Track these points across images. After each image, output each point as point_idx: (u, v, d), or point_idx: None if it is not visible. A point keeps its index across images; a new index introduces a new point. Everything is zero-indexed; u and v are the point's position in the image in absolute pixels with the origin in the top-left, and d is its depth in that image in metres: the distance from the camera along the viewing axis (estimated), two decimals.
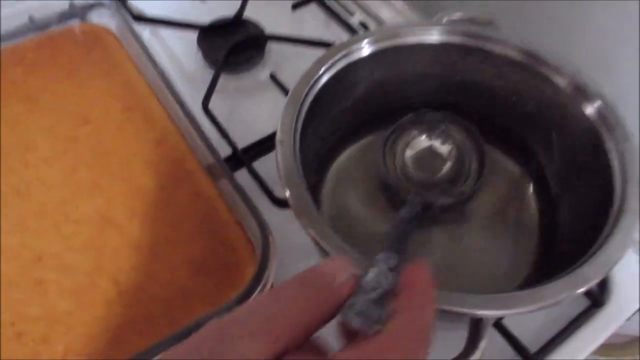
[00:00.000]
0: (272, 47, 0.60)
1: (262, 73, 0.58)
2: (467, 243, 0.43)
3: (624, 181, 0.36)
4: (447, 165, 0.44)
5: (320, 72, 0.38)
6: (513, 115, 0.44)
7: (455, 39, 0.43)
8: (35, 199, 0.42)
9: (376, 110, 0.45)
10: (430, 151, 0.45)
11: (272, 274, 0.37)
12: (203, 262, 0.39)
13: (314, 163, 0.43)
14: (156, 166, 0.44)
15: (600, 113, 0.38)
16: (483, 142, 0.43)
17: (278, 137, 0.35)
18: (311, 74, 0.38)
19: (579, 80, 0.40)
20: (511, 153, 0.46)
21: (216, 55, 0.58)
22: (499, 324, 0.42)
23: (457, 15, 0.45)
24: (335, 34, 0.62)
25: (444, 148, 0.45)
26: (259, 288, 0.36)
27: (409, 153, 0.45)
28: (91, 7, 0.56)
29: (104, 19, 0.56)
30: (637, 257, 0.47)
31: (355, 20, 0.63)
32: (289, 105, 0.37)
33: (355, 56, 0.40)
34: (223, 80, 0.58)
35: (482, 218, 0.44)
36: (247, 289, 0.36)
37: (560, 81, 0.41)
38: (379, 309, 0.23)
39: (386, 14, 0.63)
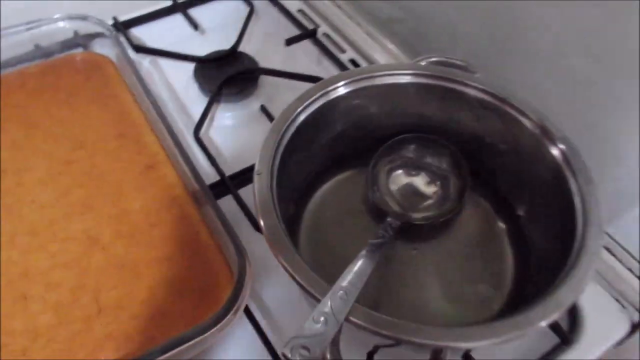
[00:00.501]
0: (265, 80, 0.63)
1: (254, 104, 0.61)
2: (445, 271, 0.44)
3: (585, 222, 0.37)
4: (431, 188, 0.47)
5: (300, 108, 0.41)
6: (486, 154, 0.47)
7: (430, 81, 0.45)
8: (27, 218, 0.44)
9: (355, 145, 0.47)
10: (414, 178, 0.48)
11: (246, 297, 0.38)
12: (182, 283, 0.41)
13: (295, 194, 0.45)
14: (145, 190, 0.46)
15: (564, 156, 0.40)
16: (464, 163, 0.46)
17: (256, 169, 0.38)
18: (291, 110, 0.40)
19: (546, 125, 0.42)
20: (484, 190, 0.48)
21: (211, 86, 0.60)
22: (467, 356, 0.43)
23: (434, 58, 0.47)
24: (326, 69, 0.65)
25: (427, 173, 0.48)
26: (232, 310, 0.38)
27: (392, 182, 0.47)
28: (94, 36, 0.60)
29: (105, 48, 0.59)
30: (608, 295, 0.48)
31: (345, 57, 0.66)
32: (268, 138, 0.39)
33: (333, 94, 0.43)
34: (217, 110, 0.61)
35: (458, 248, 0.45)
36: (221, 311, 0.37)
37: (529, 124, 0.43)
38: None
39: (376, 53, 0.66)
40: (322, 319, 0.28)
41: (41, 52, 0.58)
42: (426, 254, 0.45)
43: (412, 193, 0.47)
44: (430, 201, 0.47)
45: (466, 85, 0.45)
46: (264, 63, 0.65)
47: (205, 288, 0.41)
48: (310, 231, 0.46)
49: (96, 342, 0.38)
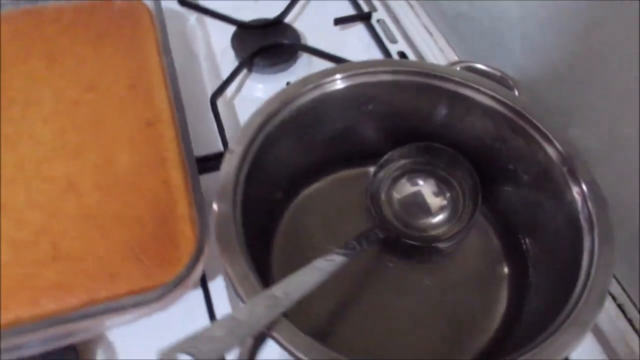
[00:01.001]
0: (305, 57, 0.60)
1: (286, 79, 0.58)
2: (442, 292, 0.40)
3: (585, 286, 0.32)
4: (437, 201, 0.43)
5: (290, 98, 0.37)
6: (504, 181, 0.41)
7: (464, 91, 0.40)
8: (19, 151, 0.44)
9: (359, 144, 0.43)
10: (421, 187, 0.43)
11: (194, 276, 0.36)
12: (143, 248, 0.39)
13: (284, 181, 0.42)
14: (137, 146, 0.44)
15: (585, 201, 0.34)
16: (478, 185, 0.41)
17: (230, 146, 0.35)
18: (286, 94, 0.37)
19: (574, 162, 0.36)
20: (491, 216, 0.42)
21: (245, 53, 0.58)
22: None
23: (472, 64, 0.42)
24: (371, 56, 0.61)
25: (437, 184, 0.43)
26: (178, 286, 0.36)
27: (397, 190, 0.43)
28: None
29: None
30: None
31: (395, 48, 0.61)
32: (253, 118, 0.37)
33: (321, 92, 0.39)
34: (248, 79, 0.59)
35: (445, 274, 0.41)
36: (168, 284, 0.36)
37: (555, 157, 0.37)
38: None
39: (429, 48, 0.61)
40: (228, 324, 0.25)
41: None
42: (404, 271, 0.41)
43: (416, 204, 0.43)
44: (433, 219, 0.42)
45: (498, 101, 0.40)
46: (309, 39, 0.62)
47: (165, 259, 0.39)
48: (293, 223, 0.42)
49: (42, 289, 0.37)
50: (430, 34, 0.62)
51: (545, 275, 0.37)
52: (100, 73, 0.49)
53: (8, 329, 0.34)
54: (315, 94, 0.38)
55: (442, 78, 0.40)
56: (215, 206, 0.32)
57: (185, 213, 0.41)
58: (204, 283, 0.43)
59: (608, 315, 0.43)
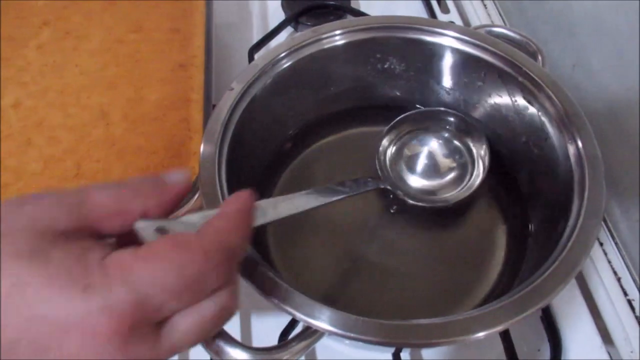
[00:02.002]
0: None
1: None
2: (439, 246, 0.40)
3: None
4: (447, 162, 0.42)
5: (287, 51, 0.38)
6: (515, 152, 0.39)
7: (481, 54, 0.39)
8: (65, 78, 0.48)
9: (358, 105, 0.43)
10: (432, 147, 0.42)
11: (191, 205, 0.38)
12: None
13: (290, 131, 0.43)
14: (167, 85, 0.47)
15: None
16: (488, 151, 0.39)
17: (232, 84, 0.36)
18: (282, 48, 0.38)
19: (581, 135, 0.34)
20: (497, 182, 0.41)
21: (292, 10, 0.59)
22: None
23: (497, 29, 0.40)
24: None
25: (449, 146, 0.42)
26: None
27: (408, 148, 0.42)
28: None
29: None
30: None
31: (445, 18, 0.59)
32: (251, 66, 0.37)
33: (332, 44, 0.39)
34: (291, 37, 0.59)
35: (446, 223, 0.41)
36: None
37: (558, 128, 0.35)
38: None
39: (478, 21, 0.58)
40: (206, 214, 0.25)
41: None
42: (407, 219, 0.41)
43: (425, 164, 0.42)
44: (441, 180, 0.41)
45: (517, 68, 0.38)
46: (360, 3, 0.62)
47: None
48: (297, 176, 0.43)
49: None
50: (485, 6, 0.59)
51: (541, 226, 0.36)
52: (147, 16, 0.52)
53: None
54: (325, 46, 0.38)
55: (459, 39, 0.39)
56: (202, 145, 0.34)
57: (197, 150, 0.43)
58: None
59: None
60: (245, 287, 0.41)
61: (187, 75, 0.48)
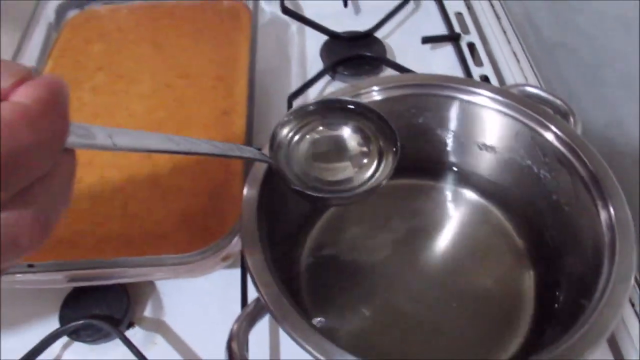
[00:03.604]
0: (387, 71, 0.62)
1: None
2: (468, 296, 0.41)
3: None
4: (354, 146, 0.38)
5: None
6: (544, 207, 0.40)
7: (510, 112, 0.40)
8: (116, 119, 0.51)
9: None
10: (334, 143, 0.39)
11: (227, 251, 0.40)
12: (194, 218, 0.44)
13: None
14: (211, 130, 0.50)
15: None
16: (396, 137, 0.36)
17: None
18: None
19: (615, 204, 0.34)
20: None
21: (330, 60, 0.62)
22: None
23: (530, 89, 0.42)
24: None
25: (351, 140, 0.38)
26: (213, 255, 0.40)
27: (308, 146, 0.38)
28: None
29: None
30: None
31: (478, 71, 0.61)
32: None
33: (369, 99, 0.41)
34: (330, 85, 0.62)
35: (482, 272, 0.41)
36: (203, 254, 0.40)
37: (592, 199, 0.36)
38: None
39: (510, 75, 0.60)
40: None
41: None
42: (437, 269, 0.42)
43: (329, 152, 0.38)
44: (342, 170, 0.37)
45: (548, 129, 0.39)
46: (396, 54, 0.64)
47: (210, 231, 0.43)
48: (332, 220, 0.45)
49: (107, 238, 0.43)
50: (518, 60, 0.61)
51: (569, 286, 0.36)
52: (194, 63, 0.56)
53: (72, 262, 0.41)
54: (363, 99, 0.40)
55: (492, 99, 0.40)
56: (245, 190, 0.36)
57: (236, 195, 0.45)
58: (244, 265, 0.47)
59: None
60: (272, 324, 0.43)
61: (230, 121, 0.51)
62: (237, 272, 0.46)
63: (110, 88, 0.54)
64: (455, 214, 0.45)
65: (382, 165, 0.37)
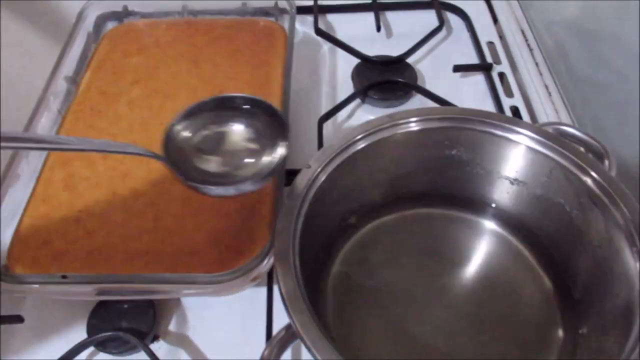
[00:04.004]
0: (418, 98, 0.63)
1: None
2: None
3: None
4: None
5: (361, 135, 0.41)
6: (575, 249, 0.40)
7: (544, 150, 0.41)
8: (151, 134, 0.52)
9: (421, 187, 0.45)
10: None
11: (257, 272, 0.41)
12: (224, 237, 0.44)
13: (355, 206, 0.45)
14: None
15: None
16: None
17: (309, 162, 0.39)
18: (358, 131, 0.40)
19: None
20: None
21: (361, 84, 0.62)
22: None
23: (565, 127, 0.42)
24: (483, 107, 0.60)
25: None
26: (242, 275, 0.40)
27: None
28: (286, 12, 0.66)
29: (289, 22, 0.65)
30: None
31: (508, 102, 0.61)
32: (328, 147, 0.40)
33: (403, 129, 0.41)
34: (359, 109, 0.63)
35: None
36: (233, 274, 0.40)
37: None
38: None
39: (544, 109, 0.60)
40: None
41: (242, 11, 0.66)
42: (465, 301, 0.43)
43: (221, 147, 0.40)
44: (233, 163, 0.39)
45: (584, 170, 0.39)
46: (426, 81, 0.65)
47: (240, 250, 0.44)
48: (357, 248, 0.45)
49: (138, 251, 0.44)
50: (549, 93, 0.61)
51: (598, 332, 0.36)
52: (229, 81, 0.56)
53: (101, 276, 0.42)
54: (396, 131, 0.41)
55: (528, 137, 0.40)
56: (280, 214, 0.36)
57: (266, 215, 0.46)
58: (270, 283, 0.47)
59: None
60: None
61: None
62: (262, 291, 0.47)
63: (146, 102, 0.55)
64: (482, 245, 0.45)
65: (272, 157, 0.38)
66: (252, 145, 0.40)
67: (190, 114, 0.40)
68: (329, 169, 0.39)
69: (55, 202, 0.47)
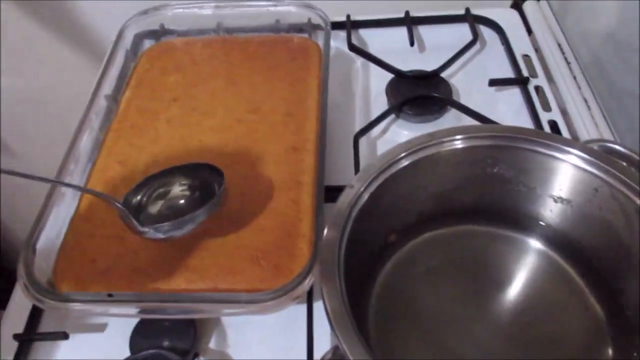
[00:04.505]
0: (453, 112, 0.62)
1: (428, 131, 0.60)
2: None
3: None
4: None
5: (404, 153, 0.41)
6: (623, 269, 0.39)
7: (592, 169, 0.40)
8: (190, 152, 0.53)
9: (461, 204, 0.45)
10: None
11: (300, 290, 0.41)
12: (265, 255, 0.45)
13: (398, 224, 0.45)
14: (280, 166, 0.51)
15: None
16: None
17: (351, 182, 0.39)
18: (404, 147, 0.40)
19: None
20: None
21: (395, 100, 0.62)
22: None
23: (611, 145, 0.41)
24: (522, 123, 0.60)
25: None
26: (282, 295, 0.40)
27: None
28: (319, 28, 0.66)
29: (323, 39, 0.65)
30: None
31: (547, 116, 0.60)
32: (371, 165, 0.40)
33: (447, 147, 0.41)
34: (394, 124, 0.63)
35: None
36: (277, 293, 0.40)
37: None
38: None
39: (584, 123, 0.59)
40: None
41: (277, 28, 0.67)
42: (507, 323, 0.42)
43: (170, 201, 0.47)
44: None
45: (631, 188, 0.38)
46: (461, 95, 0.64)
47: (280, 269, 0.44)
48: (398, 266, 0.45)
49: (179, 270, 0.44)
50: (589, 107, 0.60)
51: None
52: (265, 99, 0.57)
53: (147, 294, 0.42)
54: (439, 149, 0.41)
55: (573, 155, 0.40)
56: (326, 231, 0.37)
57: (306, 232, 0.46)
58: (310, 301, 0.47)
59: None
60: None
61: (299, 158, 0.51)
62: (302, 308, 0.47)
63: (184, 120, 0.56)
64: (525, 264, 0.45)
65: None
66: (185, 195, 0.48)
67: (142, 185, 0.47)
68: (371, 188, 0.39)
69: (98, 220, 0.48)
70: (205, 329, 0.47)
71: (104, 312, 0.43)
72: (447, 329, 0.42)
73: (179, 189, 0.48)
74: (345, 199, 0.38)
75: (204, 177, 0.47)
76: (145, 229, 0.43)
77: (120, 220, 0.44)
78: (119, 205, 0.43)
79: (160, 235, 0.43)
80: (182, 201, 0.47)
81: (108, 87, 0.60)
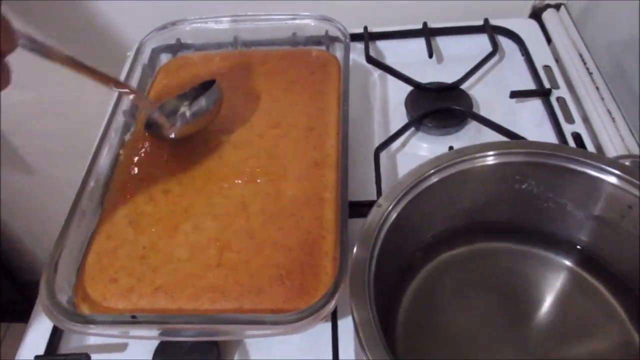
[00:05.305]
0: (473, 125, 0.61)
1: (449, 144, 0.60)
2: None
3: None
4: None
5: (433, 170, 0.40)
6: None
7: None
8: (210, 167, 0.52)
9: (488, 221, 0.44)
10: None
11: (327, 310, 0.40)
12: (289, 273, 0.44)
13: (423, 240, 0.44)
14: (302, 182, 0.50)
15: None
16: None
17: (378, 200, 0.38)
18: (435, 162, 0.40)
19: None
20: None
21: (415, 112, 0.61)
22: None
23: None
24: (543, 135, 0.60)
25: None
26: (310, 317, 0.39)
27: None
28: (339, 40, 0.66)
29: (343, 52, 0.64)
30: None
31: (570, 129, 0.59)
32: (402, 182, 0.39)
33: (478, 163, 0.40)
34: (414, 136, 0.62)
35: None
36: (303, 314, 0.40)
37: None
38: None
39: (608, 135, 0.58)
40: None
41: (294, 41, 0.67)
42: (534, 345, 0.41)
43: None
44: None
45: None
46: (481, 108, 0.64)
47: (305, 287, 0.43)
48: (425, 283, 0.44)
49: (203, 289, 0.44)
50: (613, 119, 0.59)
51: None
52: (286, 113, 0.56)
53: (171, 316, 0.41)
54: (467, 166, 0.40)
55: (604, 171, 0.39)
56: (355, 250, 0.36)
57: (330, 250, 0.45)
58: (334, 319, 0.46)
59: None
60: None
61: (321, 173, 0.51)
62: (327, 327, 0.46)
63: (204, 136, 0.55)
64: (556, 283, 0.44)
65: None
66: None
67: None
68: (400, 206, 0.38)
69: (120, 239, 0.47)
70: (228, 348, 0.47)
71: (125, 335, 0.43)
72: (476, 348, 0.41)
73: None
74: (373, 218, 0.38)
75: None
76: (173, 120, 0.52)
77: (146, 130, 0.55)
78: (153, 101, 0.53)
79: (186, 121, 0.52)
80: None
81: (126, 103, 0.59)
